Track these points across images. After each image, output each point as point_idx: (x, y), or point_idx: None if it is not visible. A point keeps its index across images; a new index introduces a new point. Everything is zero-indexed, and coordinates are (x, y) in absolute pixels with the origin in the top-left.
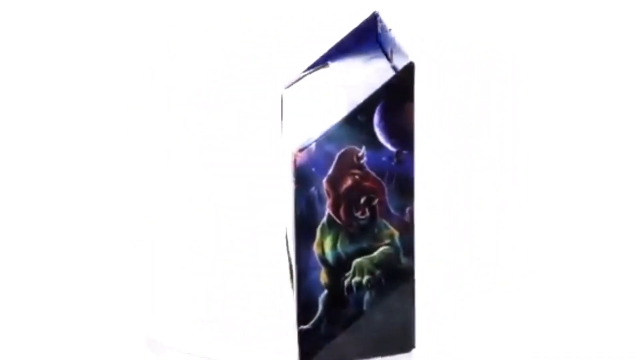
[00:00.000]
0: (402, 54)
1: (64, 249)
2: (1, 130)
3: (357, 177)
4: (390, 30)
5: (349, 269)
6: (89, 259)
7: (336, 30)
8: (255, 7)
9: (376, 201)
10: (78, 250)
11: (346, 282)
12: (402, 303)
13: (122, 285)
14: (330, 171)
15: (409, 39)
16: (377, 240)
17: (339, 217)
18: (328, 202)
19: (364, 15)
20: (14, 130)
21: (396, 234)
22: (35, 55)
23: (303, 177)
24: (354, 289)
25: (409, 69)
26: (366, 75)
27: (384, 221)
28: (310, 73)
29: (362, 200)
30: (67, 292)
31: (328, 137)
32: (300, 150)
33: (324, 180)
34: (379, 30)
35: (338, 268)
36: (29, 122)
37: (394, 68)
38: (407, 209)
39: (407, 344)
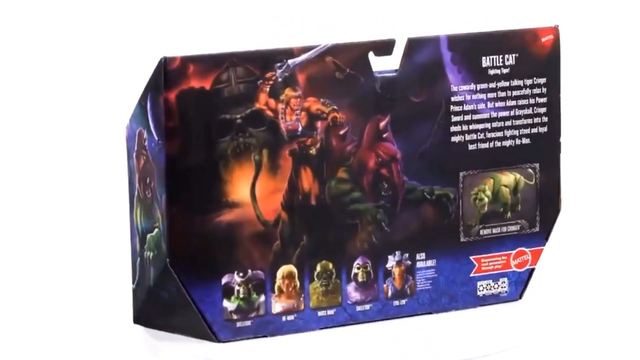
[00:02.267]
0: None
1: (63, 249)
2: (1, 130)
3: (144, 157)
4: None
5: (146, 242)
6: (89, 259)
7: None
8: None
9: (153, 184)
10: (77, 250)
11: (144, 254)
12: (165, 285)
13: (121, 285)
14: (135, 147)
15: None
16: (155, 221)
17: (139, 192)
18: (136, 176)
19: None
20: (14, 130)
21: (160, 218)
22: (35, 55)
23: (127, 150)
24: (147, 262)
25: (160, 64)
26: None
27: (155, 204)
28: None
29: (147, 180)
30: (66, 292)
31: (133, 116)
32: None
33: (133, 155)
34: None
35: (142, 239)
36: (29, 122)
37: None
38: (163, 197)
39: (192, 330)
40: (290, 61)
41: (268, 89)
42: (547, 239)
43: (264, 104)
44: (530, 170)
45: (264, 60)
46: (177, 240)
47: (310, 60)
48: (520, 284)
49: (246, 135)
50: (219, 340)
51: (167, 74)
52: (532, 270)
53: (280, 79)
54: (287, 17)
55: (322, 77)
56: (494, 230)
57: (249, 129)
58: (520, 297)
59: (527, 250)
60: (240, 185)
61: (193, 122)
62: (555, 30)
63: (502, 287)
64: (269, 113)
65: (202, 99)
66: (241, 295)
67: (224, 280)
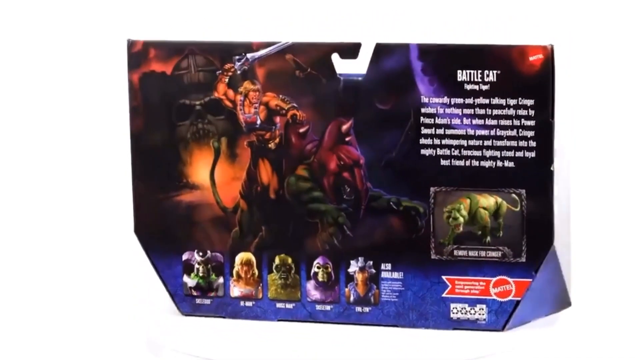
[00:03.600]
0: None
1: (64, 249)
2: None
3: None
4: None
5: None
6: (89, 259)
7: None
8: None
9: None
10: (78, 250)
11: None
12: None
13: (121, 286)
14: None
15: None
16: None
17: None
18: None
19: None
20: (14, 130)
21: None
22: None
23: None
24: None
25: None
26: None
27: None
28: None
29: None
30: (67, 292)
31: None
32: None
33: None
34: None
35: None
36: (29, 122)
37: None
38: None
39: None
40: (249, 55)
41: (227, 80)
42: (536, 271)
43: (223, 94)
44: (514, 196)
45: (223, 51)
46: (141, 212)
47: (269, 56)
48: (502, 314)
49: (205, 122)
50: (181, 313)
51: (130, 56)
52: (518, 302)
53: (239, 72)
54: (264, 11)
55: (281, 74)
56: (471, 253)
57: (208, 116)
58: (503, 328)
59: (510, 280)
60: (200, 168)
61: (154, 103)
62: (546, 50)
63: (479, 314)
64: (228, 103)
65: (162, 83)
66: (200, 274)
67: (184, 257)
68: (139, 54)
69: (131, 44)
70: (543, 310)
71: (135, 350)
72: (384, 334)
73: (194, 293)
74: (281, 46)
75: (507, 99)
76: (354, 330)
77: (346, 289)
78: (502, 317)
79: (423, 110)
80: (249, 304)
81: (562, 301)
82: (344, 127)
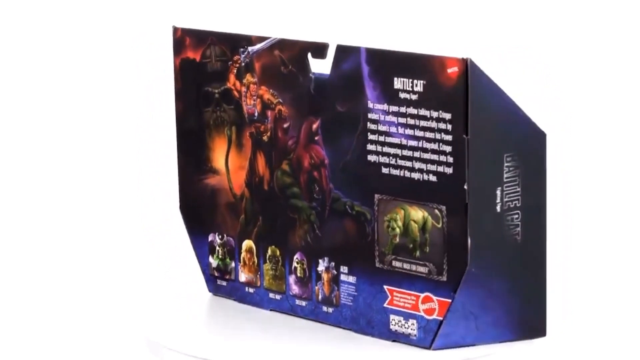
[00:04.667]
0: None
1: (64, 249)
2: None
3: None
4: None
5: None
6: (89, 260)
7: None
8: None
9: None
10: (78, 250)
11: None
12: None
13: (122, 286)
14: None
15: None
16: None
17: None
18: None
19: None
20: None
21: None
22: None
23: None
24: None
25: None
26: None
27: None
28: None
29: None
30: (67, 292)
31: None
32: None
33: None
34: None
35: None
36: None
37: None
38: None
39: None
40: (250, 48)
41: (235, 71)
42: (455, 291)
43: (232, 85)
44: (437, 211)
45: (232, 43)
46: (183, 190)
47: (263, 50)
48: (429, 332)
49: (221, 110)
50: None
51: (174, 42)
52: (441, 322)
53: (243, 64)
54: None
55: (271, 69)
56: (405, 266)
57: (224, 104)
58: (430, 346)
59: (434, 298)
60: (219, 154)
61: (189, 89)
62: (460, 63)
63: (411, 329)
64: (236, 94)
65: (194, 69)
66: (220, 256)
67: (209, 238)
68: (179, 41)
69: (174, 31)
70: (493, 335)
71: (135, 350)
72: (340, 337)
73: (216, 274)
74: (272, 41)
75: (431, 111)
76: (320, 329)
77: (316, 287)
78: (429, 335)
79: (369, 115)
80: (251, 290)
81: (529, 329)
82: (314, 127)
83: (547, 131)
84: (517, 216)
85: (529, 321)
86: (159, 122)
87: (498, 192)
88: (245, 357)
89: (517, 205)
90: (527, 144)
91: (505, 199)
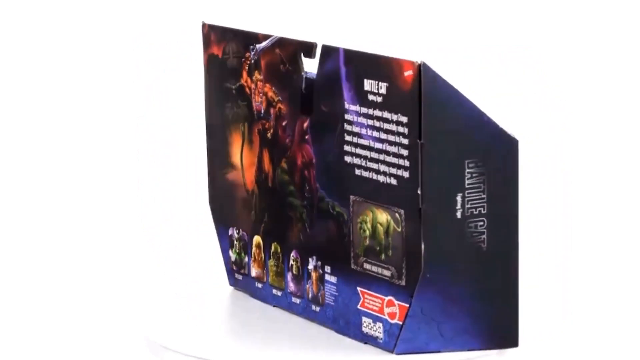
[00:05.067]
0: None
1: (64, 249)
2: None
3: None
4: None
5: None
6: (90, 260)
7: None
8: None
9: None
10: (78, 250)
11: None
12: None
13: (122, 286)
14: None
15: None
16: None
17: None
18: None
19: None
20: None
21: None
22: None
23: None
24: None
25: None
26: None
27: None
28: None
29: None
30: (67, 292)
31: None
32: None
33: None
34: None
35: None
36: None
37: None
38: None
39: None
40: (257, 45)
41: (247, 68)
42: (411, 296)
43: (245, 81)
44: (397, 215)
45: (245, 39)
46: (211, 183)
47: (267, 48)
48: (392, 336)
49: (237, 106)
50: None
51: (203, 37)
52: (401, 326)
53: (252, 61)
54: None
55: (273, 67)
56: (373, 268)
57: (239, 100)
58: (393, 350)
59: (395, 302)
60: (236, 150)
61: (214, 84)
62: (414, 67)
63: (378, 332)
64: (247, 90)
65: (217, 65)
66: (237, 250)
67: (229, 232)
68: (206, 37)
69: (202, 27)
70: (460, 343)
71: (135, 350)
72: (321, 337)
73: (234, 268)
74: (273, 40)
75: (392, 114)
76: (310, 328)
77: (307, 286)
78: (392, 339)
79: (345, 116)
80: (259, 285)
81: (500, 339)
82: (305, 126)
83: (546, 131)
84: (482, 223)
85: (500, 331)
86: (158, 122)
87: (459, 198)
88: (245, 357)
89: (482, 212)
90: (494, 151)
91: (468, 206)
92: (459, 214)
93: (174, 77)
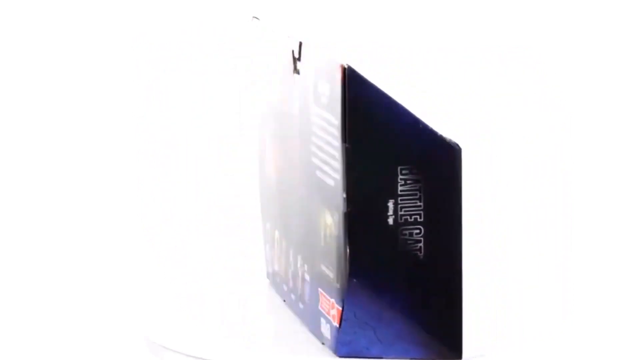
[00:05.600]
0: None
1: (64, 249)
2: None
3: None
4: None
5: None
6: (89, 259)
7: None
8: None
9: None
10: (78, 250)
11: None
12: None
13: (122, 286)
14: None
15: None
16: None
17: None
18: None
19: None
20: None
21: None
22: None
23: None
24: None
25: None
26: None
27: None
28: None
29: None
30: (67, 292)
31: None
32: None
33: None
34: None
35: None
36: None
37: None
38: None
39: None
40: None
41: None
42: (343, 301)
43: None
44: (335, 217)
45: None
46: (260, 175)
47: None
48: (334, 338)
49: None
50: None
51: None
52: (337, 329)
53: None
54: None
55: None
56: (324, 270)
57: None
58: (336, 352)
59: (335, 305)
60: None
61: None
62: (341, 70)
63: (327, 333)
64: None
65: None
66: (269, 244)
67: (267, 225)
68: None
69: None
70: (400, 350)
71: (135, 350)
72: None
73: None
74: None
75: (331, 116)
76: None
77: (298, 284)
78: (334, 342)
79: (311, 117)
80: (277, 279)
81: (442, 349)
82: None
83: (546, 131)
84: (417, 231)
85: (442, 341)
86: (158, 122)
87: (390, 204)
88: (245, 357)
89: (419, 220)
90: (433, 158)
91: (401, 212)
92: (390, 220)
93: (174, 77)
